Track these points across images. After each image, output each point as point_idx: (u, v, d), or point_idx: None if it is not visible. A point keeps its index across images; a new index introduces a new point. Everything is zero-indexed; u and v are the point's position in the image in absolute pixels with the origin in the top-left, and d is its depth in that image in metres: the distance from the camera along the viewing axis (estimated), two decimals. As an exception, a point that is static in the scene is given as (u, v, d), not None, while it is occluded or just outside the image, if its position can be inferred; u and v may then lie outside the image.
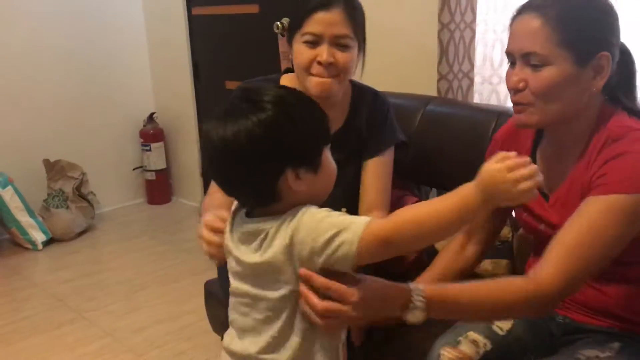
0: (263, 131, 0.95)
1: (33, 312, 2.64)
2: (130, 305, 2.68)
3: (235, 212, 1.10)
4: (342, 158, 1.36)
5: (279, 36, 2.99)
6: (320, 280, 0.96)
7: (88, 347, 2.36)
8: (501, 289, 1.08)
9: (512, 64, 1.17)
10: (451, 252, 1.42)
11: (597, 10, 1.13)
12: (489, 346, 1.24)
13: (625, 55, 1.19)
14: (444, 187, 2.04)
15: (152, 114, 3.89)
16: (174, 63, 3.76)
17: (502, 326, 1.28)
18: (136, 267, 3.07)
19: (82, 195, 3.51)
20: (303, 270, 0.97)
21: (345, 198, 1.50)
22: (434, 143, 1.87)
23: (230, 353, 1.10)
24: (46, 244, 3.34)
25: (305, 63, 1.49)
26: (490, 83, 2.29)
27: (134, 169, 3.98)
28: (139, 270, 3.02)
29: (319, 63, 1.47)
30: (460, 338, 1.24)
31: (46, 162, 3.47)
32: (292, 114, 0.98)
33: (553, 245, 1.09)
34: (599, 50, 1.11)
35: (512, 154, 0.92)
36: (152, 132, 3.87)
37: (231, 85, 3.46)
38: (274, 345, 1.03)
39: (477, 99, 2.29)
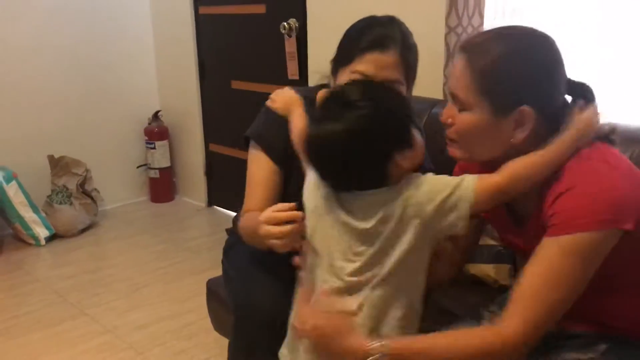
0: (371, 126, 1.10)
1: (35, 308, 2.65)
2: (132, 302, 2.68)
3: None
4: None
5: (286, 37, 3.00)
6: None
7: (89, 344, 2.36)
8: (463, 341, 1.10)
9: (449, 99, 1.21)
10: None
11: (524, 65, 1.10)
12: None
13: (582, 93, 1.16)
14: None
15: (157, 112, 3.90)
16: (180, 62, 3.77)
17: None
18: (138, 265, 3.07)
19: (85, 192, 3.52)
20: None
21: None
22: (439, 146, 1.86)
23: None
24: (49, 239, 3.35)
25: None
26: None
27: (138, 167, 3.98)
28: (141, 268, 3.03)
29: None
30: None
31: (50, 158, 3.48)
32: (388, 106, 1.13)
33: (515, 294, 1.09)
34: (519, 105, 1.09)
35: None
36: (156, 130, 3.88)
37: (237, 84, 3.47)
38: None
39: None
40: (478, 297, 1.40)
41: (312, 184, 1.23)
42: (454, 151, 1.21)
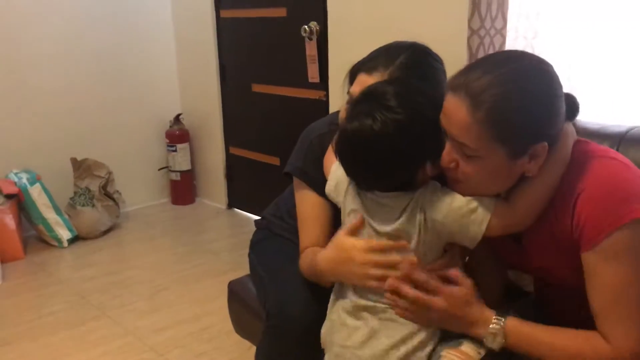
0: (409, 130, 1.10)
1: (57, 309, 2.67)
2: (153, 304, 2.70)
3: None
4: None
5: (306, 40, 3.00)
6: (422, 275, 1.14)
7: (110, 345, 2.37)
8: (580, 341, 1.09)
9: (447, 134, 1.11)
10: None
11: (531, 104, 1.03)
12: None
13: (570, 106, 1.13)
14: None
15: (179, 115, 3.92)
16: (201, 65, 3.79)
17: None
18: (159, 267, 3.09)
19: (107, 194, 3.55)
20: (403, 266, 1.15)
21: None
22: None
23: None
24: (72, 241, 3.38)
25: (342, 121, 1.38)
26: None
27: (159, 169, 4.01)
28: (162, 270, 3.04)
29: None
30: (462, 339, 1.22)
31: (73, 161, 3.51)
32: (425, 114, 1.12)
33: (595, 313, 1.08)
34: (535, 143, 1.05)
35: None
36: (178, 133, 3.91)
37: (257, 88, 3.48)
38: None
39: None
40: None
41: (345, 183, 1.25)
42: (461, 191, 1.14)
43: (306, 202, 1.49)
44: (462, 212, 1.12)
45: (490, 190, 1.13)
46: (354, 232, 1.23)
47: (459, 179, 1.12)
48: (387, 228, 1.16)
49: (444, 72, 1.37)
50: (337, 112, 1.50)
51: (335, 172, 1.30)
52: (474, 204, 1.11)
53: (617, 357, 1.05)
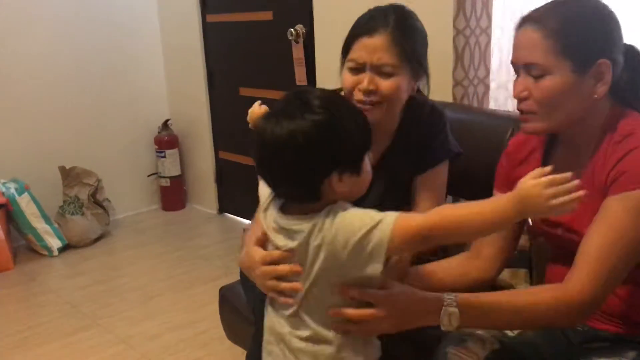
0: (318, 134, 1.02)
1: (48, 319, 2.65)
2: (145, 311, 2.69)
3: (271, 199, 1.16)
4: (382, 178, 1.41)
5: (293, 43, 3.00)
6: (354, 291, 1.06)
7: (103, 354, 2.36)
8: (533, 296, 1.12)
9: (517, 73, 1.21)
10: (463, 258, 1.41)
11: (594, 20, 1.14)
12: (496, 345, 1.22)
13: (633, 57, 1.20)
14: (460, 193, 2.02)
15: (167, 120, 3.91)
16: (188, 70, 3.78)
17: None
18: (151, 274, 3.07)
19: (97, 201, 3.53)
20: (338, 289, 1.07)
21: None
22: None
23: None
24: (62, 250, 3.36)
25: (348, 88, 1.45)
26: (506, 89, 2.28)
27: (148, 176, 4.00)
28: (154, 277, 3.03)
29: (360, 90, 1.42)
30: (466, 337, 1.23)
31: (62, 169, 3.49)
32: (343, 120, 1.05)
33: (580, 253, 1.10)
34: (598, 58, 1.13)
35: (548, 169, 0.97)
36: (166, 139, 3.89)
37: (245, 92, 3.47)
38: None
39: (492, 104, 2.27)
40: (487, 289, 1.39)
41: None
42: (534, 125, 1.20)
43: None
44: (362, 232, 1.01)
45: (563, 116, 1.17)
46: (261, 242, 1.19)
47: (531, 109, 1.17)
48: (293, 244, 1.09)
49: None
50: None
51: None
52: (377, 219, 1.02)
53: (567, 300, 1.07)
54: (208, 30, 3.61)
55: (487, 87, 2.24)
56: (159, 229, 3.78)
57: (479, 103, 2.24)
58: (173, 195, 4.01)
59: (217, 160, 3.84)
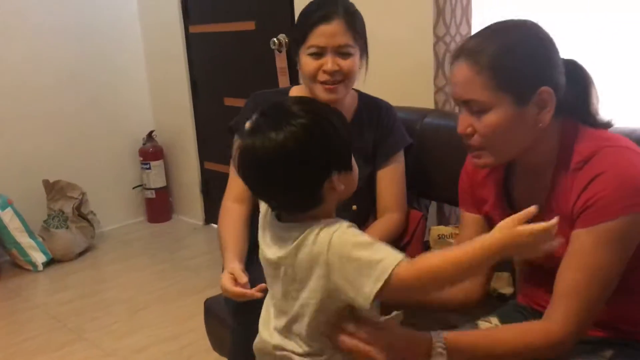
0: (310, 137, 1.00)
1: (34, 334, 2.62)
2: (131, 325, 2.66)
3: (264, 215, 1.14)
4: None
5: (276, 52, 3.00)
6: (350, 327, 1.03)
7: (89, 369, 2.34)
8: (517, 335, 1.12)
9: (459, 109, 1.18)
10: None
11: (529, 48, 1.11)
12: None
13: (575, 72, 1.17)
14: (443, 199, 2.03)
15: (151, 132, 3.90)
16: (172, 81, 3.77)
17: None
18: (137, 287, 3.05)
19: (82, 215, 3.51)
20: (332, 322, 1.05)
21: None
22: (432, 155, 1.86)
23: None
24: (46, 264, 3.33)
25: (312, 72, 1.60)
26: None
27: (133, 188, 3.97)
28: (140, 290, 3.01)
29: (325, 72, 1.58)
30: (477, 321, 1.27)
31: (46, 183, 3.47)
32: (328, 119, 1.04)
33: (557, 289, 1.11)
34: (538, 87, 1.10)
35: (533, 210, 0.96)
36: (151, 151, 3.88)
37: (230, 101, 3.47)
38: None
39: (474, 110, 2.28)
40: (476, 307, 1.38)
41: None
42: (484, 160, 1.18)
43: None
44: (362, 261, 0.97)
45: (511, 148, 1.16)
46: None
47: (479, 145, 1.15)
48: (273, 255, 1.07)
49: None
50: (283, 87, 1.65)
51: None
52: (378, 255, 0.97)
53: (546, 337, 1.09)
54: (191, 40, 3.61)
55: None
56: (145, 241, 3.75)
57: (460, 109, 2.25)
58: (159, 207, 4.00)
59: (203, 170, 3.83)
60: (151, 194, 3.94)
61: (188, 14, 3.57)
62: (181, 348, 2.43)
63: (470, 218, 1.36)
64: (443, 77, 2.18)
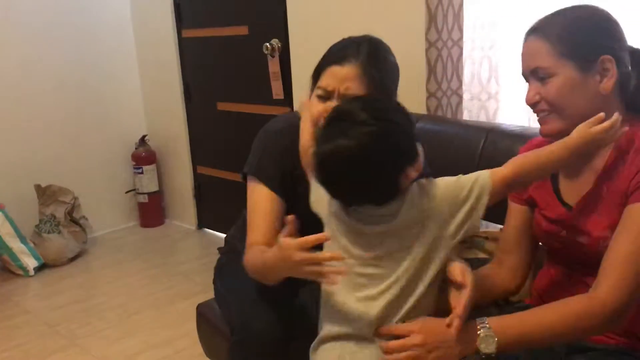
0: (383, 141, 1.11)
1: (25, 340, 2.61)
2: (124, 330, 2.65)
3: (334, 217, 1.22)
4: None
5: (269, 57, 3.01)
6: (384, 328, 1.16)
7: (81, 374, 2.33)
8: (564, 306, 1.14)
9: (527, 81, 1.26)
10: (488, 269, 1.41)
11: (592, 20, 1.21)
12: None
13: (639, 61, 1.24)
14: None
15: (144, 136, 3.89)
16: (165, 85, 3.77)
17: None
18: (129, 291, 3.04)
19: (74, 219, 3.49)
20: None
21: None
22: (431, 155, 1.87)
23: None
24: (38, 269, 3.31)
25: (315, 116, 1.41)
26: (479, 99, 2.30)
27: (126, 192, 3.96)
28: (132, 295, 3.00)
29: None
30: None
31: (37, 187, 3.45)
32: (395, 121, 1.14)
33: (606, 260, 1.13)
34: (600, 54, 1.17)
35: (602, 115, 1.13)
36: (144, 155, 3.87)
37: (222, 106, 3.47)
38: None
39: (466, 115, 2.30)
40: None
41: (322, 193, 1.23)
42: (550, 126, 1.24)
43: (258, 196, 1.49)
44: (464, 192, 1.16)
45: (576, 111, 1.20)
46: (294, 234, 1.19)
47: (546, 109, 1.22)
48: (379, 229, 1.17)
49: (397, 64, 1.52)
50: (293, 111, 1.53)
51: (317, 189, 1.27)
52: (472, 178, 1.18)
53: (599, 306, 1.10)
54: (184, 45, 3.61)
55: (461, 98, 2.26)
56: (137, 245, 3.74)
57: (452, 114, 2.26)
58: (151, 211, 3.99)
59: (196, 175, 3.83)
60: (144, 199, 3.93)
61: (181, 19, 3.57)
62: (174, 353, 2.43)
63: (515, 208, 1.40)
64: (435, 82, 2.20)
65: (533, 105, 1.25)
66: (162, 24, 3.63)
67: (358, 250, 1.18)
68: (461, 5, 2.16)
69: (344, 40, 1.48)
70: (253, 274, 1.38)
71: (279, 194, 1.48)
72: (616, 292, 1.10)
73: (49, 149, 3.59)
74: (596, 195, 1.22)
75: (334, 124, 1.15)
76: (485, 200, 1.17)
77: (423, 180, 1.19)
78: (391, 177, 1.14)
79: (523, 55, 1.26)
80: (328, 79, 1.41)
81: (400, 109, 1.19)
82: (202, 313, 1.84)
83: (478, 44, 2.26)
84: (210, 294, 1.87)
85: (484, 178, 1.17)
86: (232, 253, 1.75)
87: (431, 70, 2.17)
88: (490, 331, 1.11)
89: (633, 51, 1.24)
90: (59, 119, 3.62)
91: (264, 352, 1.39)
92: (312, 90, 1.48)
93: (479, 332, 1.12)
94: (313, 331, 1.28)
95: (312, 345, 1.26)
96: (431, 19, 2.13)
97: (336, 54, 1.42)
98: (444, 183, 1.19)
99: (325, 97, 1.41)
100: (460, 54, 2.22)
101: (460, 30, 2.18)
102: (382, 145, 1.11)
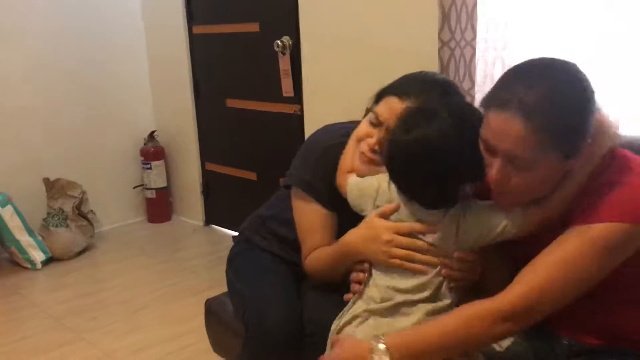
0: (467, 132, 1.13)
1: (32, 333, 2.61)
2: (130, 325, 2.66)
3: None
4: None
5: (280, 54, 3.00)
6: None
7: (87, 368, 2.33)
8: (465, 308, 1.14)
9: (493, 155, 1.11)
10: None
11: (579, 105, 1.06)
12: (481, 359, 1.22)
13: None
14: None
15: (153, 132, 3.89)
16: (174, 81, 3.77)
17: (501, 343, 1.27)
18: (136, 286, 3.04)
19: (82, 214, 3.50)
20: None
21: None
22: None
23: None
24: (45, 263, 3.32)
25: (359, 134, 1.40)
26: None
27: (134, 187, 3.97)
28: (139, 290, 3.00)
29: (368, 144, 1.37)
30: None
31: (46, 181, 3.46)
32: (475, 122, 1.14)
33: (524, 269, 1.11)
34: (586, 140, 1.08)
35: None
36: (152, 151, 3.87)
37: (232, 103, 3.47)
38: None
39: (478, 116, 2.29)
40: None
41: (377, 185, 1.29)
42: (508, 203, 1.17)
43: (312, 213, 1.50)
44: (501, 221, 1.18)
45: (538, 195, 1.15)
46: (385, 215, 1.27)
47: (506, 191, 1.13)
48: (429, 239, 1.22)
49: None
50: (347, 124, 1.52)
51: (358, 184, 1.34)
52: (507, 218, 1.17)
53: (492, 308, 1.10)
54: (194, 41, 3.61)
55: (473, 99, 2.25)
56: (145, 241, 3.74)
57: (464, 114, 2.25)
58: (159, 207, 3.99)
59: (204, 171, 3.83)
60: (151, 194, 3.93)
61: (191, 15, 3.57)
62: (180, 349, 2.43)
63: None
64: (447, 82, 2.18)
65: (498, 186, 1.13)
66: (172, 20, 3.63)
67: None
68: (475, 5, 2.15)
69: (416, 73, 1.42)
70: (317, 272, 1.46)
71: (330, 208, 1.49)
72: (514, 302, 1.08)
73: (58, 143, 3.60)
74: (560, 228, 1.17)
75: (416, 116, 1.18)
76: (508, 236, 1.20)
77: (477, 203, 1.21)
78: (453, 179, 1.16)
79: (500, 131, 1.07)
80: (384, 108, 1.35)
81: (479, 116, 1.15)
82: (211, 308, 1.84)
83: (491, 44, 2.25)
84: (216, 290, 1.87)
85: (513, 223, 1.18)
86: (245, 243, 1.75)
87: (444, 70, 2.17)
88: (385, 348, 1.12)
89: None
90: (69, 114, 3.62)
91: (280, 350, 1.40)
92: (369, 107, 1.43)
93: (372, 346, 1.13)
94: (323, 326, 1.29)
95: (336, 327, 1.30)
96: (444, 18, 2.12)
97: (401, 88, 1.36)
98: (482, 217, 1.20)
99: (376, 124, 1.37)
100: (473, 54, 2.21)
101: (474, 30, 2.17)
102: (461, 138, 1.13)
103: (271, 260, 1.61)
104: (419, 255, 1.22)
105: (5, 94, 3.36)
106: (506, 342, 1.27)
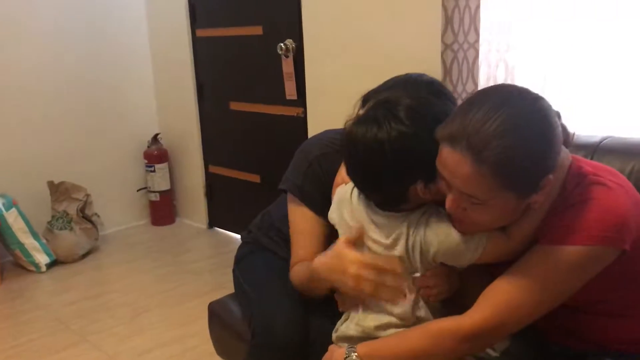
0: (415, 142, 1.08)
1: (36, 336, 2.62)
2: (134, 327, 2.66)
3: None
4: None
5: (283, 57, 3.01)
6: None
7: (91, 371, 2.34)
8: (430, 324, 1.15)
9: (448, 187, 1.08)
10: None
11: (535, 145, 1.00)
12: None
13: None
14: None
15: (157, 135, 3.90)
16: (178, 84, 3.78)
17: (495, 347, 1.27)
18: (140, 289, 3.05)
19: (86, 216, 3.51)
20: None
21: None
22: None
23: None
24: (50, 266, 3.33)
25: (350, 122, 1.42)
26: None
27: (138, 190, 3.98)
28: (143, 292, 3.01)
29: None
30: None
31: (50, 184, 3.47)
32: (428, 132, 1.07)
33: (488, 288, 1.10)
34: (546, 174, 1.02)
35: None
36: (156, 153, 3.88)
37: (235, 106, 3.48)
38: None
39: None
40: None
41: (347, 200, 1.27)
42: (463, 230, 1.13)
43: (302, 217, 1.49)
44: (457, 245, 1.13)
45: (496, 226, 1.11)
46: (352, 243, 1.22)
47: (464, 221, 1.10)
48: (387, 241, 1.19)
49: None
50: (338, 130, 1.50)
51: (338, 192, 1.32)
52: (469, 237, 1.13)
53: (455, 328, 1.09)
54: (198, 44, 3.62)
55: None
56: (148, 243, 3.75)
57: (467, 117, 2.25)
58: (162, 209, 4.00)
59: (207, 174, 3.83)
60: (155, 197, 3.94)
61: (195, 18, 3.58)
62: (184, 351, 2.43)
63: None
64: (450, 84, 2.19)
65: (453, 215, 1.10)
66: (176, 23, 3.64)
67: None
68: (478, 7, 2.15)
69: (402, 76, 1.35)
70: (301, 288, 1.43)
71: (322, 216, 1.47)
72: (476, 323, 1.07)
73: (62, 146, 3.61)
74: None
75: (375, 109, 1.13)
76: (465, 263, 1.17)
77: (434, 212, 1.16)
78: (400, 183, 1.12)
79: (450, 168, 1.03)
80: None
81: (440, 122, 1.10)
82: (214, 311, 1.84)
83: (494, 46, 2.25)
84: (220, 293, 1.87)
85: (475, 248, 1.13)
86: (253, 244, 1.75)
87: (447, 72, 2.17)
88: (355, 353, 1.15)
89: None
90: (73, 116, 3.63)
91: (284, 357, 1.40)
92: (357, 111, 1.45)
93: (345, 357, 1.14)
94: (328, 333, 1.29)
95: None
96: (447, 21, 2.12)
97: (384, 92, 1.30)
98: (450, 234, 1.13)
99: None
100: (476, 57, 2.21)
101: (477, 32, 2.17)
102: (405, 147, 1.08)
103: (279, 263, 1.61)
104: (389, 280, 1.17)
105: (9, 97, 3.38)
106: (501, 346, 1.26)
